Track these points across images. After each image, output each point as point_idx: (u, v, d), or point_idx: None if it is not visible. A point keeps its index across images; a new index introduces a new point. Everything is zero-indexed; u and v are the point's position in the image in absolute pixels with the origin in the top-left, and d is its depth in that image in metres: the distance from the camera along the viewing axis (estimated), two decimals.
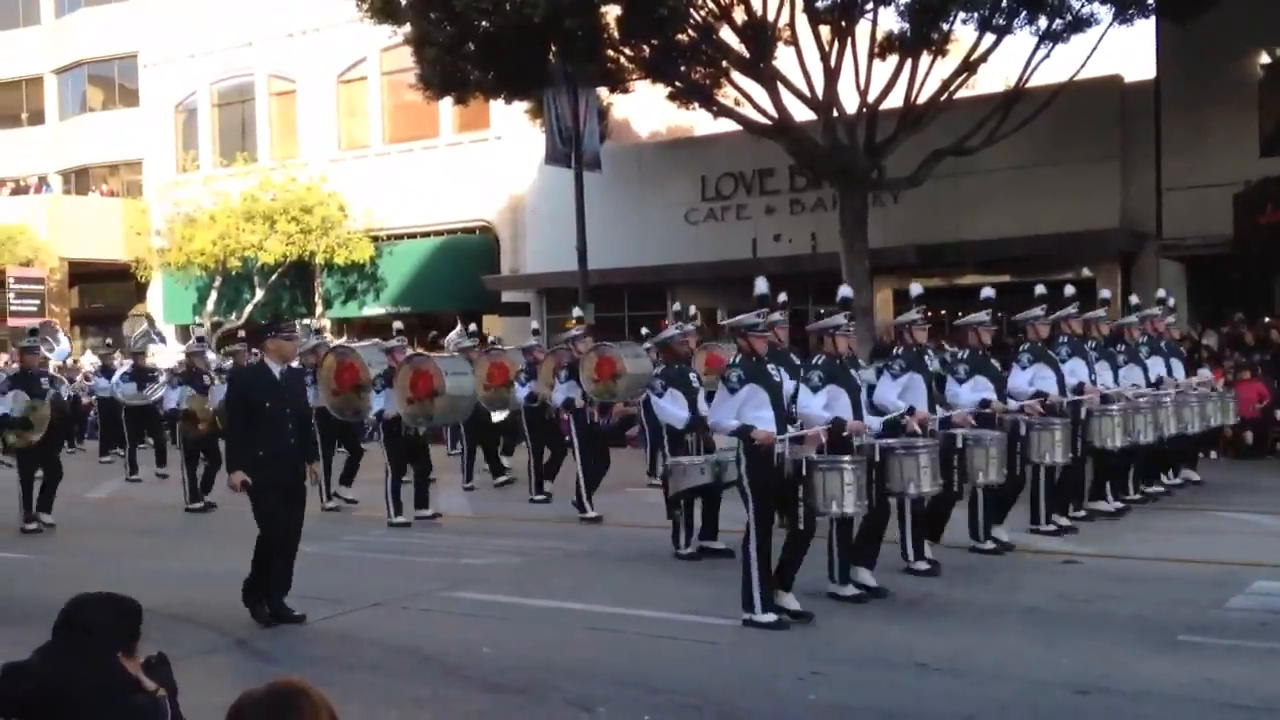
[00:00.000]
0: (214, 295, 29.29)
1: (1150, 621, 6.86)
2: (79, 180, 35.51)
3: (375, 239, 27.86)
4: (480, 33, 18.70)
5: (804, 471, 7.01)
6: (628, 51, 19.81)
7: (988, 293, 10.09)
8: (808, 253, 22.07)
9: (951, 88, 18.69)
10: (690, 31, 19.26)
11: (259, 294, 28.72)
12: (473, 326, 19.26)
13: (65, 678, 2.71)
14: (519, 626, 7.25)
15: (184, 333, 31.75)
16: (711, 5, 19.05)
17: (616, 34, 19.23)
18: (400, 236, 28.18)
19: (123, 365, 19.14)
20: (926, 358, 8.84)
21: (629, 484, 13.11)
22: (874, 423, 7.83)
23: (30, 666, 2.75)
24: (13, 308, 31.21)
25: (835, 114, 18.83)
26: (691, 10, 18.81)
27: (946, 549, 9.17)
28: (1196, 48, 18.65)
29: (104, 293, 35.18)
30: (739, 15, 18.97)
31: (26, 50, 35.39)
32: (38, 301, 31.78)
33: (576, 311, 13.58)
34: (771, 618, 6.89)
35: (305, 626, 7.28)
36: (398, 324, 14.11)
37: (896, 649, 6.37)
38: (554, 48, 19.23)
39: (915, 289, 9.91)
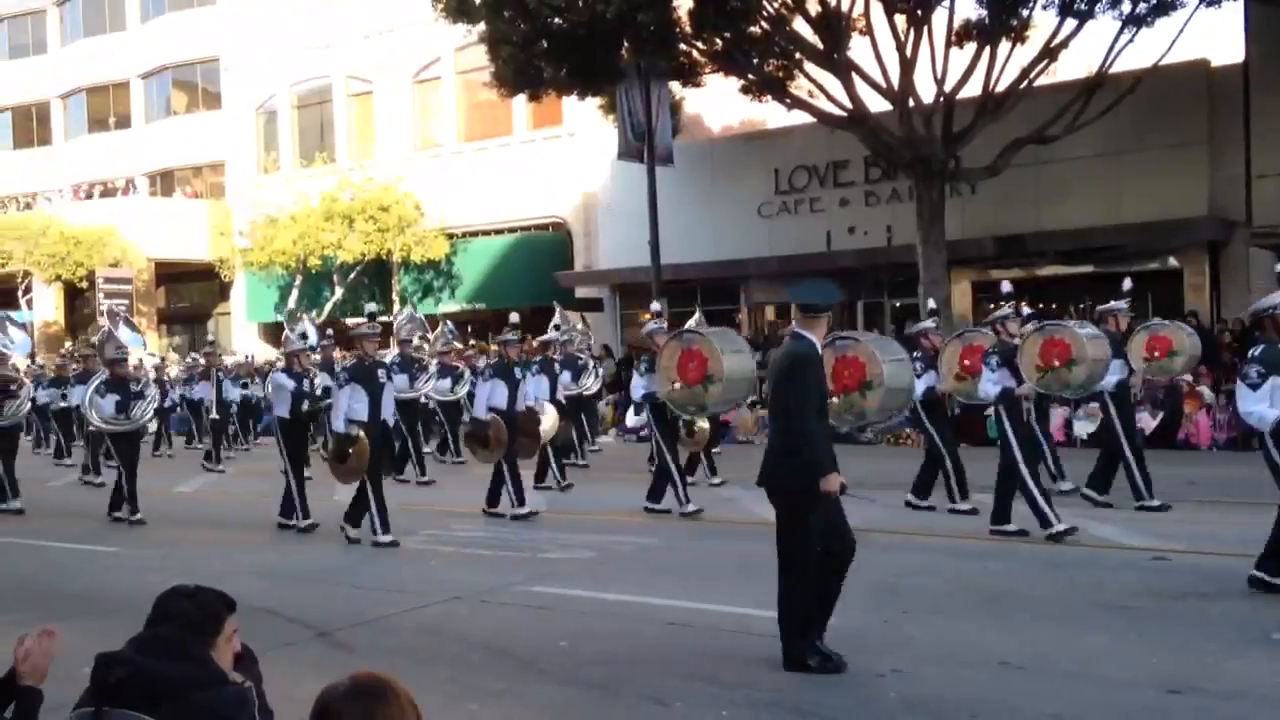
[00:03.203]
0: (295, 293, 29.85)
1: (1242, 619, 6.67)
2: (164, 182, 36.44)
3: (450, 237, 28.20)
4: (553, 30, 18.81)
5: None
6: (700, 45, 19.79)
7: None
8: (883, 245, 21.84)
9: (1031, 75, 18.36)
10: (763, 23, 19.17)
11: (338, 292, 29.22)
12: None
13: (156, 667, 2.77)
14: (595, 621, 7.26)
15: (266, 330, 32.47)
16: None
17: (689, 28, 19.22)
18: (475, 234, 28.47)
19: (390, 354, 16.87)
20: None
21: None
22: None
23: (123, 656, 2.81)
24: (102, 307, 32.12)
25: (911, 104, 18.61)
26: (764, 2, 18.71)
27: (1030, 545, 9.03)
28: None
29: (189, 292, 36.09)
30: (812, 6, 18.83)
31: (113, 56, 36.39)
32: (126, 301, 32.65)
33: (655, 306, 12.53)
34: None
35: (386, 619, 7.37)
36: (655, 305, 12.31)
37: (978, 647, 6.26)
38: (626, 43, 19.27)
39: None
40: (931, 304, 12.62)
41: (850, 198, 22.95)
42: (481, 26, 20.20)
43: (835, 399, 9.09)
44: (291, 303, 29.89)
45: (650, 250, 21.73)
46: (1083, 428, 16.36)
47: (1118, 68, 18.34)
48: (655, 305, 12.48)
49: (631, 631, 6.94)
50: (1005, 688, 5.60)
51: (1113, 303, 11.17)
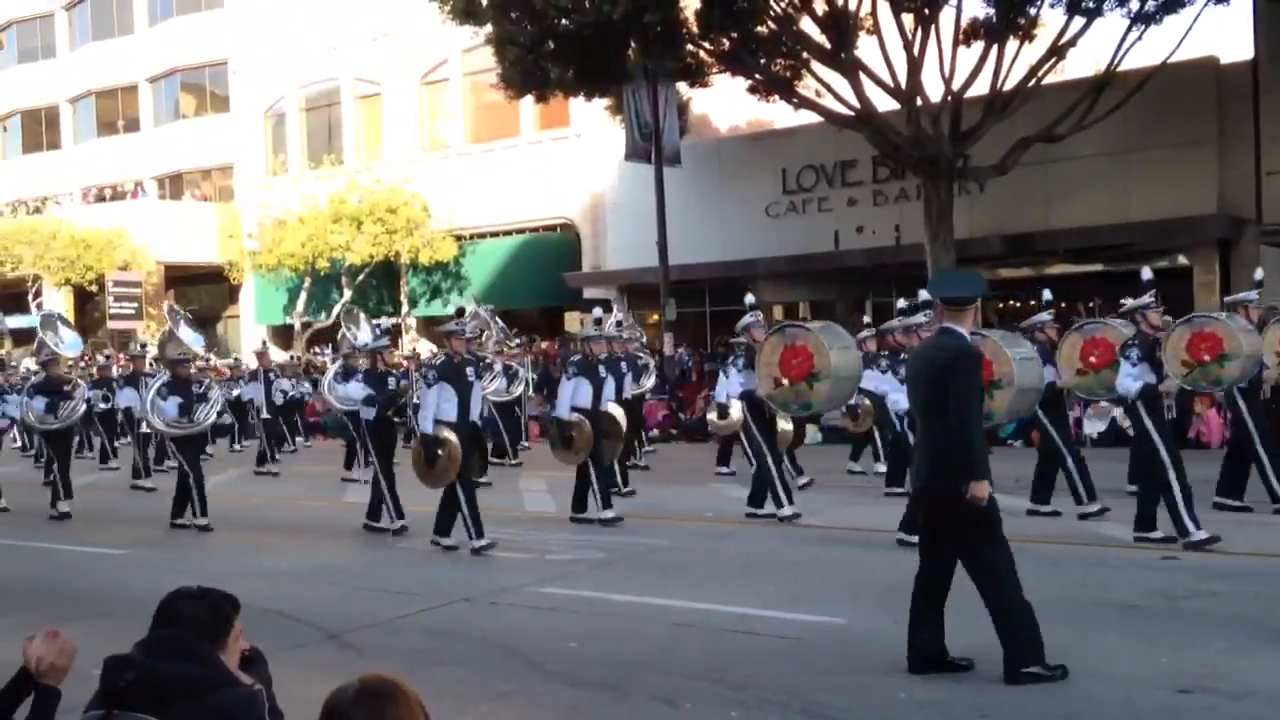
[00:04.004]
0: (304, 296, 29.91)
1: (1253, 619, 6.65)
2: (173, 185, 36.55)
3: (458, 238, 28.24)
4: (560, 31, 18.82)
5: None
6: (707, 45, 19.77)
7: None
8: (891, 245, 21.82)
9: (1039, 73, 18.32)
10: (770, 23, 19.16)
11: (347, 294, 29.28)
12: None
13: (165, 670, 2.77)
14: (604, 621, 7.27)
15: (277, 333, 32.53)
16: None
17: (695, 28, 19.21)
18: (483, 235, 28.51)
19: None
20: None
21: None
22: None
23: (131, 659, 2.81)
24: (112, 310, 32.24)
25: (919, 103, 18.57)
26: (771, 2, 18.70)
27: (1038, 545, 9.01)
28: None
29: (198, 294, 36.16)
30: (819, 5, 18.81)
31: (122, 60, 36.48)
32: (135, 304, 32.77)
33: (750, 299, 11.53)
34: None
35: (396, 621, 7.39)
36: (749, 298, 11.58)
37: (988, 646, 6.23)
38: (633, 44, 19.27)
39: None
40: (1047, 295, 11.39)
41: (858, 197, 22.92)
42: (488, 28, 20.21)
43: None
44: (300, 305, 29.99)
45: (658, 250, 21.72)
46: (1092, 427, 16.30)
47: (1126, 65, 18.29)
48: (749, 298, 11.52)
49: (640, 632, 6.94)
50: (1014, 687, 5.59)
51: (1243, 294, 10.65)
